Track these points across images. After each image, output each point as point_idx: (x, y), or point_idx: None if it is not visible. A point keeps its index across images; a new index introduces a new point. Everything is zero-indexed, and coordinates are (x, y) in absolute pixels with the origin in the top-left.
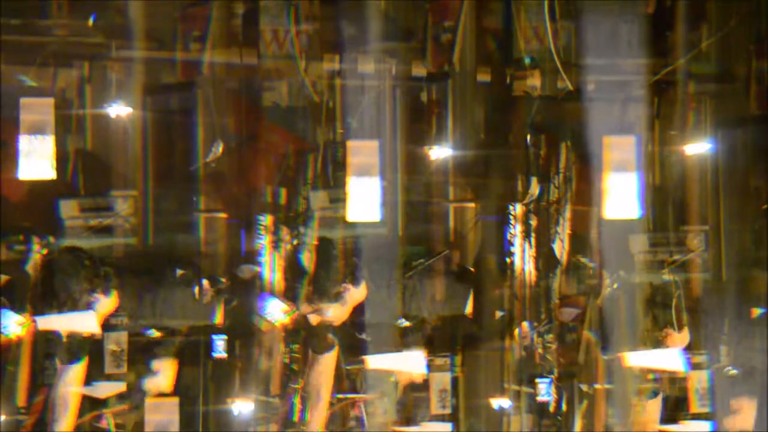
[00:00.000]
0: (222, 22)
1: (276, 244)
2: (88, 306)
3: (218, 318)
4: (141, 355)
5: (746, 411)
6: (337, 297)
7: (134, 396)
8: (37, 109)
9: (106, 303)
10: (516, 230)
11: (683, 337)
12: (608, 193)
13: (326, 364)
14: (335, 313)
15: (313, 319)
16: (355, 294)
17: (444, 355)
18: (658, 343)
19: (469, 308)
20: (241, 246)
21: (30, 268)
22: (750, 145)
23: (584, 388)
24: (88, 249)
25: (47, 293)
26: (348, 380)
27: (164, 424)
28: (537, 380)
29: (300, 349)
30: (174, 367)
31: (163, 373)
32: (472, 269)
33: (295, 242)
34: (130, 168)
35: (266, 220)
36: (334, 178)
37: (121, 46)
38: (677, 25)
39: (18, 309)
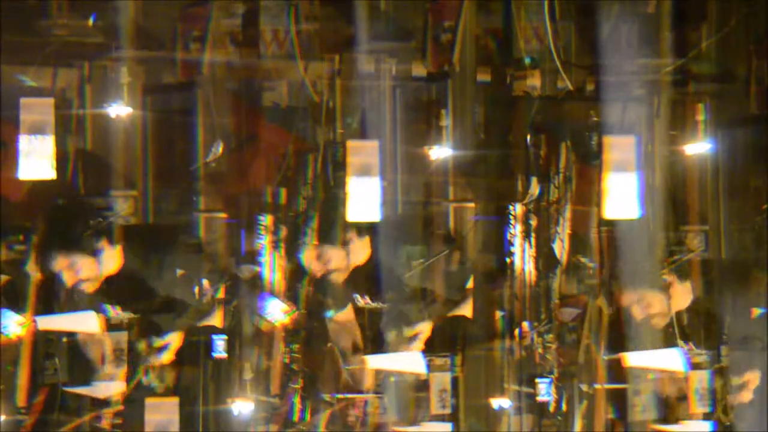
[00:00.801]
0: (222, 22)
1: (276, 244)
2: (94, 253)
3: (218, 318)
4: None
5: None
6: (342, 243)
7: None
8: (37, 109)
9: (111, 254)
10: (516, 230)
11: (685, 291)
12: (608, 193)
13: (345, 320)
14: (339, 261)
15: (317, 268)
16: (359, 247)
17: (444, 355)
18: (662, 286)
19: (468, 308)
20: (241, 246)
21: (30, 267)
22: (750, 145)
23: (584, 388)
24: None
25: (51, 242)
26: (348, 380)
27: (164, 424)
28: (537, 380)
29: (301, 346)
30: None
31: None
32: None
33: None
34: (130, 168)
35: (266, 220)
36: (334, 178)
37: (120, 46)
38: (677, 25)
39: (18, 309)
